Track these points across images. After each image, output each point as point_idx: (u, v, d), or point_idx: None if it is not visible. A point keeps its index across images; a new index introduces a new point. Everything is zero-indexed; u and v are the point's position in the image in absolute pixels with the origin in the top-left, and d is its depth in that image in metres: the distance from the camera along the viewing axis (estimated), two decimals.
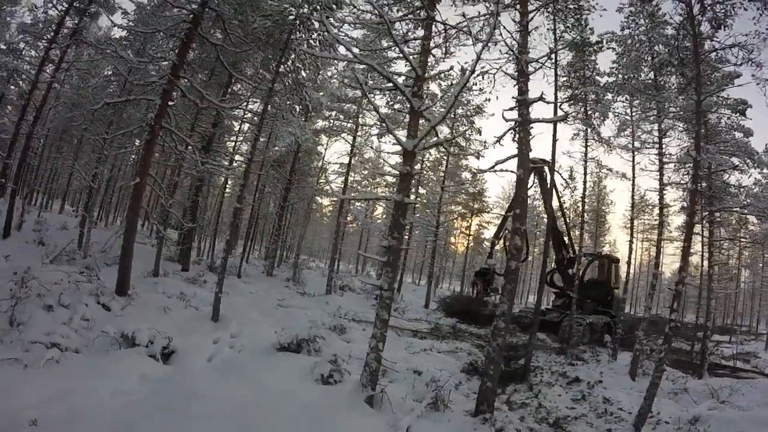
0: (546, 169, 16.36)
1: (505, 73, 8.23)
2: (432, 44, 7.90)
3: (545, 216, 19.35)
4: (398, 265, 7.07)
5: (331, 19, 9.39)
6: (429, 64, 8.44)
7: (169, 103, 9.70)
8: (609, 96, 15.48)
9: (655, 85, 13.70)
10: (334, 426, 4.93)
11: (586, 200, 15.93)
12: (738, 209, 14.63)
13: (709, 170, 14.13)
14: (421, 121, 7.09)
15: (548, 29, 11.99)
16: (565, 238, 17.96)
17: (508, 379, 9.44)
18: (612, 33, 14.10)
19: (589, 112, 16.83)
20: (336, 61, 16.96)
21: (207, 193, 19.19)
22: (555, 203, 17.29)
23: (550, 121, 7.80)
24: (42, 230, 13.85)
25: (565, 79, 17.11)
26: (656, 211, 17.82)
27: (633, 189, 15.32)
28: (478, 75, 9.88)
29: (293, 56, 11.25)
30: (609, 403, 8.64)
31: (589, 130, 16.92)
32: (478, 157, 24.21)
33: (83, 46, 14.45)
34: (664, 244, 15.88)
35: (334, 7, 10.53)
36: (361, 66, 7.88)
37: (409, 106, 6.87)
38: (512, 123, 7.46)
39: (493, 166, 7.65)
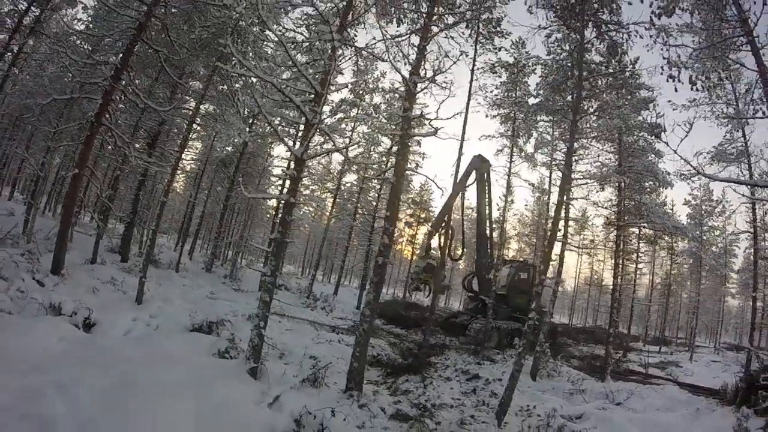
0: (485, 170, 17.18)
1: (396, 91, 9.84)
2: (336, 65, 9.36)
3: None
4: (281, 255, 8.26)
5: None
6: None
7: (111, 103, 11.03)
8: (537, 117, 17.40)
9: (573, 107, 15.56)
10: (211, 387, 6.18)
11: (528, 214, 17.56)
12: (637, 223, 16.53)
13: (619, 189, 16.03)
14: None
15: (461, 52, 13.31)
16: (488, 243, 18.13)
17: (404, 370, 10.70)
18: (537, 57, 15.73)
19: (517, 130, 18.89)
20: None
21: (152, 188, 20.25)
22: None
23: (424, 135, 9.31)
24: None
25: (497, 97, 19.18)
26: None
27: (548, 202, 17.38)
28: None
29: (230, 65, 12.55)
30: (495, 397, 9.21)
31: (514, 146, 18.99)
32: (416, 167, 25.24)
33: (42, 37, 15.38)
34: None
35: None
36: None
37: (304, 118, 8.20)
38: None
39: (379, 174, 9.14)
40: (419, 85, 9.18)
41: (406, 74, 9.18)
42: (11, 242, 12.10)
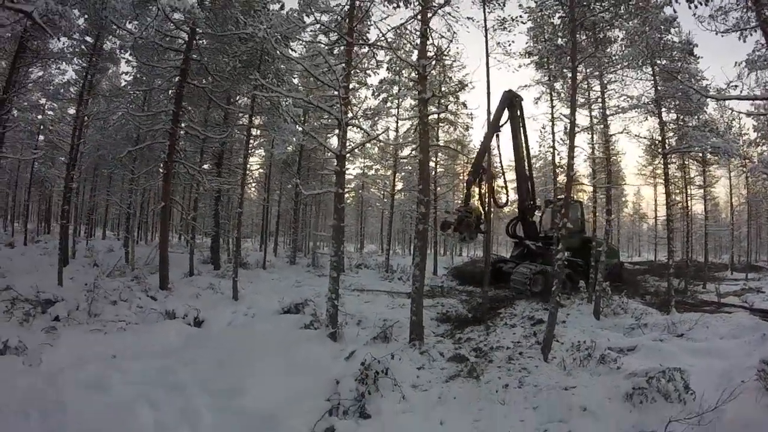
0: (518, 104, 16.31)
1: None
2: (352, 65, 10.85)
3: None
4: (341, 239, 9.82)
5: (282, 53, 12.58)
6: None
7: (176, 142, 13.49)
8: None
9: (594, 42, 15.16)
10: (297, 350, 8.08)
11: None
12: (684, 149, 16.56)
13: (660, 116, 16.21)
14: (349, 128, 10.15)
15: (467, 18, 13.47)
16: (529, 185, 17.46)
17: (471, 323, 11.63)
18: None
19: (552, 75, 19.36)
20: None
21: (227, 200, 22.98)
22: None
23: (434, 113, 10.41)
24: (93, 255, 17.93)
25: (528, 45, 19.55)
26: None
27: (592, 139, 17.71)
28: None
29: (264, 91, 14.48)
30: (554, 338, 9.29)
31: (552, 91, 19.48)
32: (466, 129, 25.98)
33: (98, 96, 17.84)
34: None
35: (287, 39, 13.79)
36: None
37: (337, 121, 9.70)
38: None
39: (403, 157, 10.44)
40: (427, 67, 9.99)
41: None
42: (119, 273, 14.83)
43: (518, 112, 16.42)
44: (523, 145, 16.83)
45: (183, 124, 13.77)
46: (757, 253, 39.58)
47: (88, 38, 15.25)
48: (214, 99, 14.80)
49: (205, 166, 19.69)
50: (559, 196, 19.36)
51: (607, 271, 14.55)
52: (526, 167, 17.26)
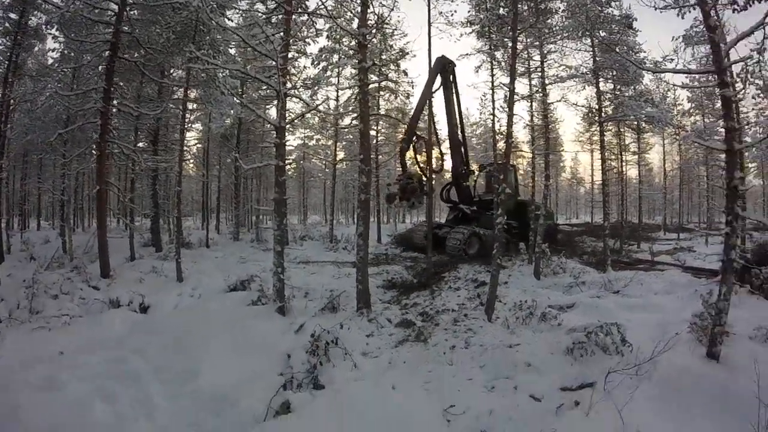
0: (450, 69, 16.26)
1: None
2: (291, 34, 10.54)
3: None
4: (284, 212, 9.70)
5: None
6: None
7: (109, 121, 12.84)
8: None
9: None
10: (246, 326, 8.12)
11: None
12: (621, 117, 17.23)
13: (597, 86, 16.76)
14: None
15: None
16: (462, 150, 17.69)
17: (416, 288, 11.94)
18: None
19: (494, 44, 19.60)
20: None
21: (165, 179, 22.20)
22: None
23: (375, 81, 10.42)
24: (29, 248, 16.88)
25: (470, 14, 19.69)
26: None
27: (531, 107, 18.24)
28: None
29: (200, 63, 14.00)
30: (497, 299, 9.72)
31: (493, 60, 19.76)
32: (407, 97, 26.01)
33: (25, 77, 16.92)
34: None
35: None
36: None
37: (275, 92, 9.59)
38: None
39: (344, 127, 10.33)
40: (367, 35, 9.96)
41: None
42: (57, 264, 14.20)
43: (451, 78, 16.44)
44: (456, 110, 16.97)
45: (115, 102, 13.09)
46: (689, 215, 42.51)
47: (12, 15, 14.40)
48: (146, 73, 14.08)
49: (141, 145, 18.96)
50: (490, 162, 19.95)
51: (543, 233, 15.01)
52: (459, 133, 17.41)
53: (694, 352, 6.37)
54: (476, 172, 18.98)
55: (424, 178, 14.16)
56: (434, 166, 16.58)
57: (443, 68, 15.81)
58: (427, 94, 15.02)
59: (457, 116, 17.14)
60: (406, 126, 15.86)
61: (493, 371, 6.84)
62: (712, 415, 5.18)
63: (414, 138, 14.66)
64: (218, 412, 5.87)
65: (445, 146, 18.44)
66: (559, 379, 6.43)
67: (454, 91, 16.66)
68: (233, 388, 6.23)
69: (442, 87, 15.96)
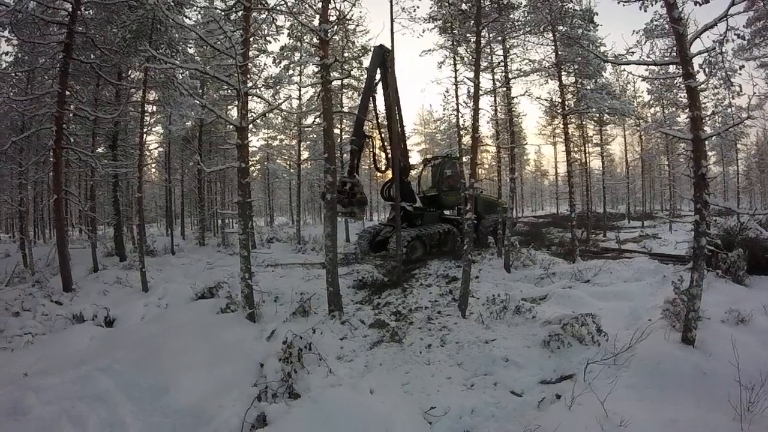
0: (387, 59, 14.92)
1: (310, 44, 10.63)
2: (251, 32, 10.24)
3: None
4: (248, 215, 9.52)
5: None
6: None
7: (64, 126, 12.28)
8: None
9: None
10: (216, 335, 7.86)
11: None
12: (583, 110, 17.63)
13: (560, 80, 16.99)
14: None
15: None
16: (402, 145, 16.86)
17: (387, 287, 11.89)
18: None
19: (456, 40, 19.72)
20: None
21: (126, 186, 21.55)
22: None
23: (337, 78, 10.25)
24: None
25: (432, 10, 19.77)
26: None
27: (495, 102, 18.49)
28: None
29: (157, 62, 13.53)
30: (470, 294, 9.64)
31: (456, 56, 19.92)
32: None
33: None
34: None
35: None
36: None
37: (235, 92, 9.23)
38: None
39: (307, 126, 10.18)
40: (329, 31, 9.72)
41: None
42: (18, 279, 13.53)
43: (388, 68, 15.16)
44: (395, 102, 15.69)
45: (71, 106, 12.51)
46: (651, 203, 43.74)
47: None
48: (103, 75, 13.53)
49: (99, 150, 18.30)
50: (435, 155, 20.32)
51: (491, 226, 15.96)
52: (398, 124, 16.32)
53: (669, 338, 6.47)
54: (417, 168, 19.04)
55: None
56: (380, 166, 16.54)
57: (381, 57, 14.68)
58: (369, 89, 14.62)
59: (396, 107, 15.85)
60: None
61: (472, 368, 6.85)
62: (694, 399, 5.25)
63: (364, 137, 14.27)
64: (192, 428, 5.66)
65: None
66: (538, 372, 6.52)
67: (391, 80, 15.36)
68: (206, 402, 6.02)
69: (381, 80, 14.99)
